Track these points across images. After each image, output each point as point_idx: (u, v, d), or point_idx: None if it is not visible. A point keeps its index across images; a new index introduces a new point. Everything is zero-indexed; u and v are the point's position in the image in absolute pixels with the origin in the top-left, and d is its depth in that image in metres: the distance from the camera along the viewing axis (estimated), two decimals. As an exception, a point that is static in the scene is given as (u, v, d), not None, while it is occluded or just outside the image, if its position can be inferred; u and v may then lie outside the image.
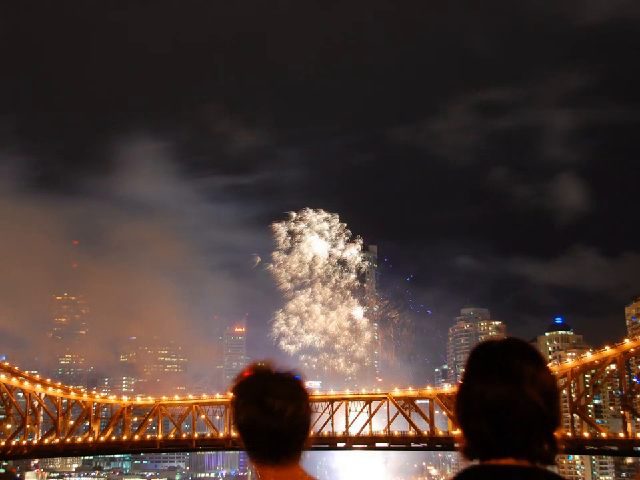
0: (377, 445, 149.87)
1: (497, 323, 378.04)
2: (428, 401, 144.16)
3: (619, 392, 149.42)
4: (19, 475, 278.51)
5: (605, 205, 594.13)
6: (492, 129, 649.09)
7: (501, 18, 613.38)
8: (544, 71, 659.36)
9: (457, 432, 4.50)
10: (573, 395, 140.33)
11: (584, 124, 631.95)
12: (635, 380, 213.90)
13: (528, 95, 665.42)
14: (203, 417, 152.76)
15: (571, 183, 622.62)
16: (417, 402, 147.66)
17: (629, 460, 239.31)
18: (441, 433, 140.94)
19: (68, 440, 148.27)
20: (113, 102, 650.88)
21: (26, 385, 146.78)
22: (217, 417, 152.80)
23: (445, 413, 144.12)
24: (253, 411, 4.98)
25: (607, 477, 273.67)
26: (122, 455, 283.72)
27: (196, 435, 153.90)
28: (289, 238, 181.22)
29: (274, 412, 4.95)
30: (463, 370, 4.55)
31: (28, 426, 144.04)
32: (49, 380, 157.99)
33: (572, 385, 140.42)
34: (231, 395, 5.16)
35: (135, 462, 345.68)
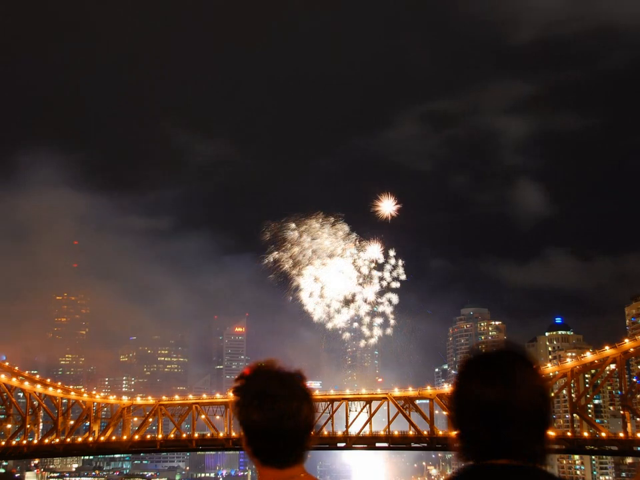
0: (377, 444, 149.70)
1: (497, 322, 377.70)
2: (428, 401, 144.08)
3: (619, 392, 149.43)
4: (18, 475, 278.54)
5: (564, 208, 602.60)
6: (444, 139, 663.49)
7: (441, 34, 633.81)
8: (487, 82, 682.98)
9: (453, 433, 4.60)
10: (573, 395, 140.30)
11: (533, 131, 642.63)
12: (635, 380, 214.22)
13: (473, 105, 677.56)
14: (203, 417, 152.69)
15: (528, 189, 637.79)
16: (417, 402, 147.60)
17: (629, 460, 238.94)
18: (440, 432, 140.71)
19: (68, 440, 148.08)
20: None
21: (26, 385, 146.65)
22: (217, 417, 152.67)
23: (445, 412, 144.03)
24: (254, 412, 4.91)
25: (606, 477, 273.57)
26: (122, 455, 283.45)
27: (196, 435, 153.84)
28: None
29: (275, 413, 4.87)
30: (458, 372, 4.65)
31: (28, 426, 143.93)
32: (49, 380, 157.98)
33: (572, 384, 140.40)
34: (231, 395, 5.05)
35: (135, 462, 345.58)
